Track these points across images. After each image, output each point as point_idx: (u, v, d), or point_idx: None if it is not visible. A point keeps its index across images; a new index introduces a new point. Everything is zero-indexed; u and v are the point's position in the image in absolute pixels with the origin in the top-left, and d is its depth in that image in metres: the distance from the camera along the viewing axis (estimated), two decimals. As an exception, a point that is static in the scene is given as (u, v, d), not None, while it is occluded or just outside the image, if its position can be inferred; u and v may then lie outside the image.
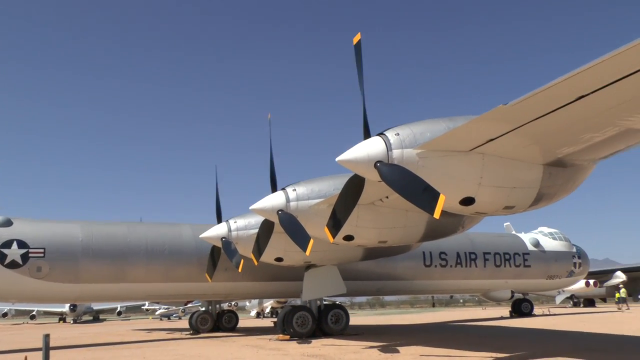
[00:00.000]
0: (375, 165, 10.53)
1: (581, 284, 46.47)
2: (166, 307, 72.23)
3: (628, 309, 41.65)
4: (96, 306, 79.56)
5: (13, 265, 19.17)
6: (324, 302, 19.80)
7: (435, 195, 9.56)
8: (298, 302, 25.94)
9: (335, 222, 12.65)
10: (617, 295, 45.50)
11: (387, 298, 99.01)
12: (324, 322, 18.90)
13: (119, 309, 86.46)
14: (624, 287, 47.30)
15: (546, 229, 32.26)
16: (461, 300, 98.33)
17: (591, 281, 49.48)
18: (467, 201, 10.65)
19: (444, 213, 9.94)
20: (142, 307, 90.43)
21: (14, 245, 19.32)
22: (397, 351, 12.93)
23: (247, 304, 70.89)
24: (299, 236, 14.34)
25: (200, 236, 20.32)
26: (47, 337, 10.27)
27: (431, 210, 9.56)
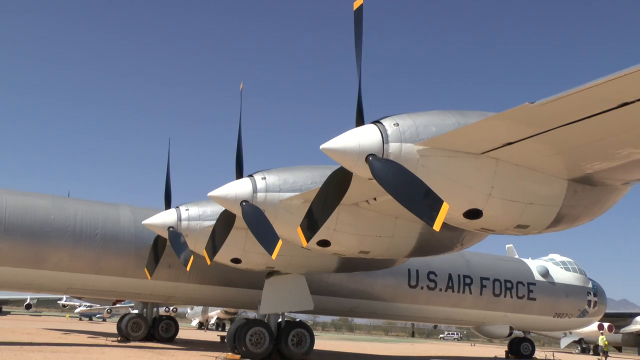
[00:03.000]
0: (366, 159, 10.61)
1: (593, 326, 46.88)
2: (89, 304, 71.63)
3: None
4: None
5: None
6: (285, 319, 19.90)
7: (437, 202, 9.64)
8: (251, 314, 25.95)
9: (311, 223, 12.73)
10: (602, 342, 44.69)
11: (358, 321, 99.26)
12: (284, 343, 19.00)
13: (28, 301, 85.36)
14: (603, 335, 46.20)
15: (558, 257, 32.52)
16: (446, 332, 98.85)
17: (605, 325, 50.04)
18: (473, 214, 10.82)
19: (443, 225, 10.04)
20: (59, 302, 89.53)
21: None
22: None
23: (189, 310, 70.82)
24: (265, 235, 14.39)
25: (143, 222, 20.22)
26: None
27: (430, 220, 9.66)
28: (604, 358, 43.36)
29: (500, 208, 10.74)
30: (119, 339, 26.96)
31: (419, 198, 9.96)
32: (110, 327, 45.29)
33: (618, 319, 54.67)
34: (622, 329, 53.46)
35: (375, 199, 13.80)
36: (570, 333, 52.74)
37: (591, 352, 57.49)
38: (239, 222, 15.64)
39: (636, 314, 56.37)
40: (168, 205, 21.50)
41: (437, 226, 9.63)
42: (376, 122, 10.98)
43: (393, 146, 10.56)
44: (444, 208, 9.57)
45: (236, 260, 18.03)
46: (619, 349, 59.78)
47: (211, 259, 16.87)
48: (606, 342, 44.86)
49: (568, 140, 9.71)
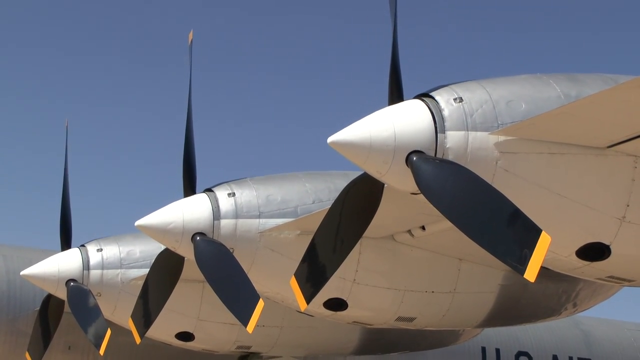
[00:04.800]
0: (407, 160, 10.49)
1: None
2: None
3: None
4: None
5: None
6: None
7: (530, 233, 9.43)
8: None
9: (314, 271, 12.71)
10: None
11: None
12: None
13: None
14: None
15: None
16: None
17: None
18: (594, 252, 10.72)
19: (542, 273, 9.90)
20: None
21: None
22: None
23: None
24: (235, 291, 14.30)
25: (22, 273, 20.03)
26: None
27: (519, 264, 9.45)
28: None
29: None
30: None
31: (499, 226, 9.78)
32: None
33: None
34: None
35: (423, 227, 13.83)
36: None
37: None
38: (190, 270, 15.57)
39: None
40: (66, 244, 21.18)
41: (531, 274, 9.34)
42: (423, 96, 10.90)
43: (454, 136, 10.46)
44: (543, 242, 9.27)
45: (186, 336, 18.00)
46: None
47: (142, 335, 16.77)
48: None
49: None
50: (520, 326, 18.02)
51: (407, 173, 10.46)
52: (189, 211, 15.08)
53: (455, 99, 10.62)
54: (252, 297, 13.98)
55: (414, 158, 10.38)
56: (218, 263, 14.59)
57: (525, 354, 26.47)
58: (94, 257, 18.93)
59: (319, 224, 12.78)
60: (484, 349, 25.74)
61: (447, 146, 10.43)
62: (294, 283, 12.81)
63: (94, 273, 18.79)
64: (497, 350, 26.00)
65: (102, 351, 18.01)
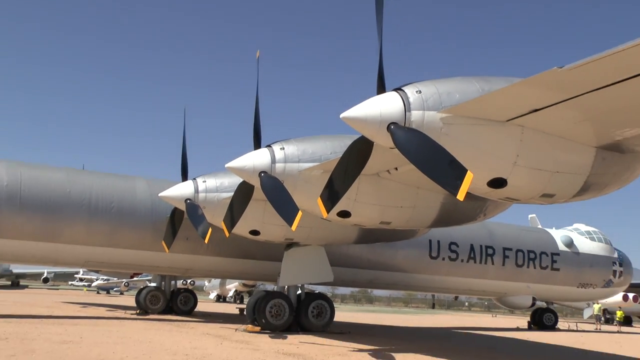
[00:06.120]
0: (388, 128, 10.58)
1: (618, 297, 46.63)
2: (106, 278, 72.30)
3: (599, 330, 40.13)
4: (16, 269, 79.37)
5: None
6: (305, 291, 20.01)
7: (460, 171, 9.61)
8: (269, 287, 26.06)
9: (331, 194, 12.74)
10: (597, 310, 43.84)
11: (377, 292, 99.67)
12: (304, 315, 19.13)
13: (45, 274, 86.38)
14: (598, 303, 43.58)
15: (583, 227, 32.43)
16: (466, 304, 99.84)
17: (631, 295, 49.73)
18: (497, 183, 10.79)
19: (466, 195, 10.04)
20: (76, 276, 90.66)
21: None
22: (392, 358, 13.11)
23: (206, 283, 71.39)
24: (284, 206, 14.42)
25: (160, 195, 20.23)
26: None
27: (454, 190, 9.64)
28: (598, 324, 43.31)
29: (525, 177, 10.70)
30: (137, 311, 27.24)
31: (442, 167, 9.92)
32: (128, 300, 45.77)
33: (644, 289, 54.09)
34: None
35: (396, 168, 13.82)
36: (594, 304, 52.41)
37: (615, 323, 57.07)
38: (258, 193, 15.69)
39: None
40: (185, 177, 21.30)
41: (461, 196, 9.60)
42: (398, 89, 10.93)
43: (415, 114, 10.51)
44: (468, 177, 9.54)
45: (255, 232, 18.09)
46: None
47: (229, 231, 16.91)
48: (599, 310, 44.74)
49: (598, 106, 9.59)
50: (452, 227, 18.07)
51: (388, 136, 10.59)
52: (257, 158, 15.17)
53: (417, 91, 10.70)
54: (294, 210, 14.15)
55: (392, 127, 10.52)
56: (274, 190, 14.67)
57: (454, 243, 26.67)
58: (201, 186, 18.84)
59: (334, 166, 12.84)
60: (430, 241, 25.95)
61: (412, 120, 10.52)
62: (319, 201, 12.87)
63: (201, 195, 18.80)
64: (438, 241, 26.21)
65: (206, 240, 18.27)
